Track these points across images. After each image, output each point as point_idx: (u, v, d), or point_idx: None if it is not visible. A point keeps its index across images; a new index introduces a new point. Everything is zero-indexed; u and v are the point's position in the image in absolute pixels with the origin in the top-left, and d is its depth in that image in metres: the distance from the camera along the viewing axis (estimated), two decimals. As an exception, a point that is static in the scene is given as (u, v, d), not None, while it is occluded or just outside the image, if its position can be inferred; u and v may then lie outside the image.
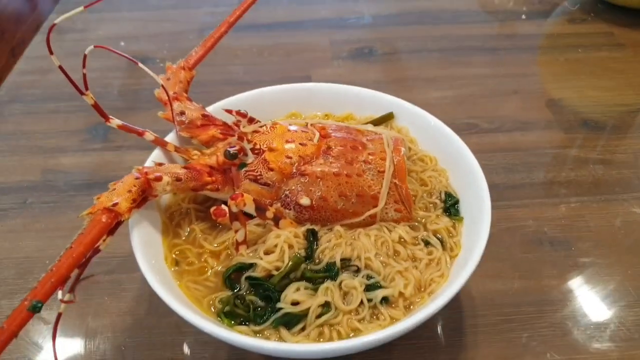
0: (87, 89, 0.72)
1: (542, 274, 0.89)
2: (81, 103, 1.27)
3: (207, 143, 0.81)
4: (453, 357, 0.78)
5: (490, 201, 0.74)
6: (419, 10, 1.59)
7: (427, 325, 0.82)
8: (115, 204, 0.66)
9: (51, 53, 0.67)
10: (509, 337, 0.80)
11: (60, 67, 0.68)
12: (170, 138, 0.83)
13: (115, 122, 0.77)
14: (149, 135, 0.79)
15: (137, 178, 0.70)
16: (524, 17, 1.55)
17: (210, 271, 0.73)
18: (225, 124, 0.81)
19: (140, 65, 0.72)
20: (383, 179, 0.75)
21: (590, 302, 0.84)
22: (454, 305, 0.84)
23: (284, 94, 0.93)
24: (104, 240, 0.67)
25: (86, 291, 0.86)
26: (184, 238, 0.77)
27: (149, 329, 0.82)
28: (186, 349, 0.79)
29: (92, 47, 0.69)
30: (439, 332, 0.81)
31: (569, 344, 0.79)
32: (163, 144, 0.80)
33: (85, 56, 0.68)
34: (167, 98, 0.82)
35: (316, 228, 0.75)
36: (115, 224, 0.68)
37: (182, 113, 0.82)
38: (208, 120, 0.82)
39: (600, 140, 1.14)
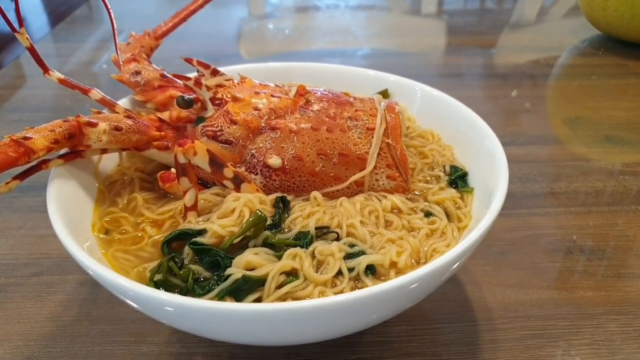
0: (21, 26, 0.61)
1: (576, 285, 0.71)
2: (47, 114, 1.20)
3: (165, 106, 0.68)
4: (466, 376, 0.59)
5: (505, 201, 0.58)
6: (421, 44, 1.52)
7: (433, 340, 0.63)
8: (26, 138, 0.51)
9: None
10: (539, 355, 0.62)
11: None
12: (123, 103, 0.71)
13: (55, 75, 0.65)
14: (95, 94, 0.67)
15: (66, 120, 0.57)
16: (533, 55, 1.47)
17: (147, 240, 0.56)
18: (186, 86, 0.69)
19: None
20: (372, 137, 0.61)
21: (642, 316, 0.66)
22: (466, 317, 0.66)
23: (262, 73, 0.81)
24: (7, 183, 0.52)
25: (4, 294, 0.69)
26: (120, 206, 0.61)
27: (73, 338, 0.64)
28: (116, 361, 0.60)
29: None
30: (447, 348, 0.62)
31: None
32: (111, 105, 0.67)
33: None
34: (123, 60, 0.71)
35: (288, 197, 0.59)
36: (29, 169, 0.54)
37: (137, 73, 0.69)
38: (167, 82, 0.69)
39: (627, 154, 1.00)
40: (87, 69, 1.37)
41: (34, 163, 0.54)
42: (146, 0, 1.97)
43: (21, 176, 0.54)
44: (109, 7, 0.65)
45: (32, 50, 0.62)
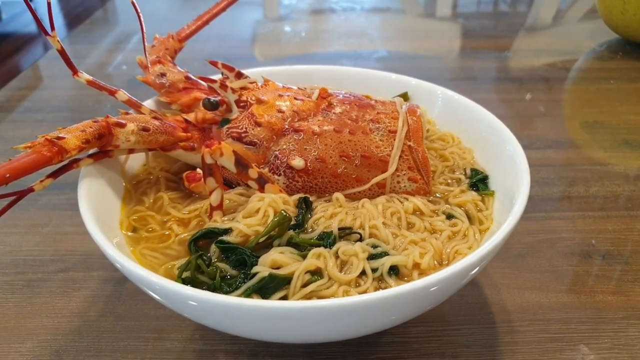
0: (53, 29, 0.62)
1: (595, 289, 0.71)
2: (69, 114, 1.22)
3: (189, 107, 0.69)
4: (486, 378, 0.59)
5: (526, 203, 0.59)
6: (436, 47, 1.53)
7: (452, 341, 0.64)
8: (60, 137, 0.53)
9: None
10: (559, 358, 0.62)
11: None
12: (148, 104, 0.72)
13: (83, 76, 0.66)
14: (122, 95, 0.68)
15: (96, 121, 0.58)
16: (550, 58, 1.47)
17: (173, 238, 0.57)
18: (211, 88, 0.70)
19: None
20: (394, 139, 0.62)
21: (662, 320, 0.66)
22: (485, 319, 0.67)
23: (284, 76, 0.82)
24: (41, 181, 0.54)
25: (32, 289, 0.71)
26: (147, 205, 0.62)
27: (98, 333, 0.65)
28: (141, 356, 0.62)
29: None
30: (467, 349, 0.63)
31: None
32: (137, 106, 0.68)
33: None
34: (147, 62, 0.72)
35: (311, 198, 0.60)
36: (61, 168, 0.55)
37: (162, 75, 0.71)
38: (191, 84, 0.70)
39: (647, 159, 0.99)
40: (102, 70, 1.39)
41: (65, 162, 0.56)
42: (161, 3, 1.99)
43: (54, 174, 0.55)
44: (139, 11, 0.67)
45: (62, 53, 0.64)
